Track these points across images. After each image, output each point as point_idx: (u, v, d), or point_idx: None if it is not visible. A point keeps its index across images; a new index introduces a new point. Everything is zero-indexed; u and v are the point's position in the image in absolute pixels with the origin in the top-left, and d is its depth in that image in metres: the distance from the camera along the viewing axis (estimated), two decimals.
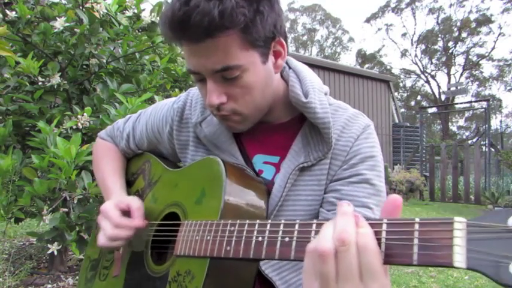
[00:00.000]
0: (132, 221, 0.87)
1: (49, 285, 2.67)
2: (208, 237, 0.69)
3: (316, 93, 0.83)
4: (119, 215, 0.88)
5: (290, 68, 0.89)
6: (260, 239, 0.60)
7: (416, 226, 0.46)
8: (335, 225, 0.49)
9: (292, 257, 0.56)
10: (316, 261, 0.48)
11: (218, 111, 0.78)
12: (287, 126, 0.88)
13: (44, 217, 1.91)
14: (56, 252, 2.00)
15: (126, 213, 0.90)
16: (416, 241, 0.45)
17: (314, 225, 0.55)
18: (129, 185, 1.10)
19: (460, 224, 0.43)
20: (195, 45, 0.71)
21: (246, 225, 0.64)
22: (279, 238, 0.58)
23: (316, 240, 0.49)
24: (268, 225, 0.60)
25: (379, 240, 0.48)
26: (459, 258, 0.42)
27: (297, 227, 0.57)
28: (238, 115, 0.79)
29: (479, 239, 0.42)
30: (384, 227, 0.49)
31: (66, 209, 2.05)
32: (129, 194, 1.06)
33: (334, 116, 0.86)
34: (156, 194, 0.97)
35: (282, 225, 0.59)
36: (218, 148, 0.88)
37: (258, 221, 0.63)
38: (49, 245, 1.96)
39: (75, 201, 1.97)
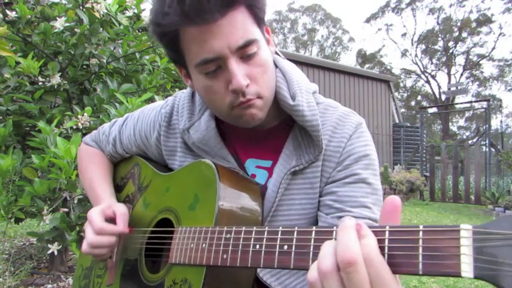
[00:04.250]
0: (114, 227, 0.87)
1: (49, 285, 2.67)
2: (204, 245, 0.68)
3: (304, 94, 0.81)
4: (101, 221, 0.87)
5: (277, 67, 0.88)
6: (258, 247, 0.59)
7: (421, 234, 0.44)
8: (337, 242, 0.47)
9: (291, 265, 0.54)
10: (321, 279, 0.47)
11: (243, 96, 0.74)
12: (277, 129, 0.87)
13: (44, 217, 1.91)
14: (56, 252, 2.00)
15: (113, 220, 0.89)
16: (421, 250, 0.44)
17: (313, 233, 0.53)
18: (119, 190, 1.07)
19: (466, 231, 0.42)
20: (215, 24, 0.68)
21: (243, 233, 0.62)
22: (277, 246, 0.56)
23: (317, 262, 0.48)
24: (266, 233, 0.59)
25: (381, 248, 0.47)
26: (466, 268, 0.41)
27: (295, 234, 0.55)
28: (260, 99, 0.76)
29: (487, 246, 0.40)
30: (387, 234, 0.47)
31: (66, 209, 2.05)
32: (118, 199, 1.04)
33: (324, 115, 0.84)
34: (148, 199, 0.95)
35: (280, 233, 0.57)
36: (208, 153, 0.86)
37: (255, 228, 0.61)
38: (49, 245, 1.96)
39: (76, 201, 1.97)
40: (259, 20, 0.74)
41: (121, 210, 0.90)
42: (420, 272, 0.43)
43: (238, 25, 0.70)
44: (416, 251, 0.44)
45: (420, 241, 0.44)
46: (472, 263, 0.41)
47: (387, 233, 0.47)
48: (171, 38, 0.73)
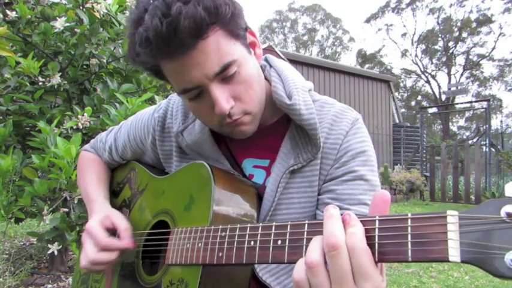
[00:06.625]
0: (120, 243, 0.84)
1: (49, 285, 2.68)
2: (200, 244, 0.68)
3: (300, 93, 0.80)
4: (105, 236, 0.84)
5: (271, 66, 0.88)
6: (252, 243, 0.59)
7: (409, 222, 0.45)
8: (324, 230, 0.49)
9: (285, 260, 0.55)
10: (308, 274, 0.49)
11: (230, 117, 0.74)
12: (274, 127, 0.86)
13: (45, 217, 1.91)
14: (56, 252, 2.00)
15: (112, 231, 0.87)
16: (410, 237, 0.45)
17: (306, 226, 0.54)
18: (115, 194, 1.07)
19: (452, 217, 0.43)
20: (187, 56, 0.67)
21: (238, 230, 0.63)
22: (271, 241, 0.57)
23: (302, 259, 0.50)
24: (260, 229, 0.59)
25: (371, 238, 0.47)
26: (453, 252, 0.42)
27: (288, 228, 0.56)
28: (248, 114, 0.76)
29: (473, 231, 0.41)
30: (377, 223, 0.48)
31: (66, 209, 2.05)
32: (115, 204, 1.03)
33: (321, 112, 0.83)
34: (144, 203, 0.95)
35: (273, 228, 0.58)
36: (202, 156, 0.86)
37: (249, 225, 0.61)
38: (49, 245, 1.96)
39: (76, 201, 1.97)
40: (237, 34, 0.72)
41: (124, 225, 0.87)
42: (409, 259, 0.44)
43: (212, 52, 0.68)
44: (405, 239, 0.45)
45: (409, 229, 0.45)
46: (458, 248, 0.42)
47: (377, 222, 0.48)
48: (152, 69, 0.75)
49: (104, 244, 0.83)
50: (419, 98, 32.82)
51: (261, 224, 0.60)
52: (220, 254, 0.64)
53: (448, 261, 0.42)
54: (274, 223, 0.58)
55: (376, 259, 0.47)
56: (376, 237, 0.47)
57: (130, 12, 0.71)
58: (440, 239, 0.43)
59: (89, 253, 0.83)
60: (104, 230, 0.86)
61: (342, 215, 0.50)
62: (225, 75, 0.71)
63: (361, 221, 0.49)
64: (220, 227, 0.66)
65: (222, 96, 0.71)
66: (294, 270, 0.51)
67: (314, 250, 0.49)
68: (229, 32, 0.70)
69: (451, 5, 29.91)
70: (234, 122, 0.76)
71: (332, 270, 0.47)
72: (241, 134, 0.79)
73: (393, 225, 0.47)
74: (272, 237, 0.57)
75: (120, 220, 0.89)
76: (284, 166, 0.80)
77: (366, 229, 0.48)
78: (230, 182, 0.78)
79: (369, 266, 0.46)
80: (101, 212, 0.92)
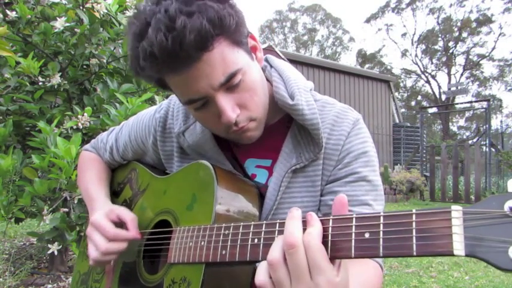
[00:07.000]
0: (128, 233, 0.85)
1: (49, 285, 2.67)
2: (203, 243, 0.69)
3: (302, 93, 0.81)
4: (112, 227, 0.85)
5: (272, 67, 0.88)
6: (256, 241, 0.60)
7: (414, 217, 0.47)
8: (284, 230, 0.53)
9: None
10: (269, 271, 0.53)
11: (236, 125, 0.75)
12: (276, 127, 0.87)
13: (45, 217, 1.91)
14: (56, 252, 2.00)
15: (117, 224, 0.88)
16: (414, 232, 0.46)
17: None
18: (116, 195, 1.07)
19: (457, 212, 0.44)
20: (193, 68, 0.67)
21: (241, 228, 0.63)
22: (275, 239, 0.57)
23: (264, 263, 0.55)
24: (264, 226, 0.60)
25: (377, 233, 0.49)
26: (458, 246, 0.43)
27: None
28: (253, 121, 0.77)
29: (477, 225, 0.43)
30: (381, 219, 0.49)
31: (66, 209, 2.05)
32: (116, 204, 1.03)
33: (322, 112, 0.84)
34: (146, 203, 0.95)
35: (277, 225, 0.58)
36: (203, 156, 0.86)
37: (253, 223, 0.62)
38: (49, 245, 1.96)
39: (76, 201, 1.97)
40: (240, 41, 0.72)
41: (130, 216, 0.88)
42: (414, 254, 0.46)
43: (217, 63, 0.68)
44: (410, 234, 0.46)
45: (413, 224, 0.46)
46: (463, 242, 0.43)
47: (382, 218, 0.49)
48: (157, 82, 0.75)
49: (113, 234, 0.83)
50: (419, 98, 32.83)
51: (264, 222, 0.60)
52: (224, 252, 0.64)
53: (453, 254, 0.43)
54: (278, 220, 0.59)
55: (381, 254, 0.48)
56: (381, 232, 0.49)
57: (131, 23, 0.69)
58: (445, 233, 0.44)
59: (99, 244, 0.83)
60: (110, 222, 0.86)
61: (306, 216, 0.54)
62: (230, 84, 0.71)
63: (365, 217, 0.50)
64: (224, 225, 0.66)
65: (228, 106, 0.72)
66: (255, 277, 0.55)
67: (275, 249, 0.53)
68: (233, 41, 0.70)
69: (451, 5, 29.89)
70: (240, 129, 0.76)
71: (291, 266, 0.51)
72: (248, 140, 0.80)
73: (398, 220, 0.48)
74: (276, 235, 0.58)
75: (125, 212, 0.89)
76: (286, 166, 0.81)
77: (364, 225, 0.50)
78: (232, 182, 0.78)
79: (322, 262, 0.50)
80: (104, 207, 0.92)
